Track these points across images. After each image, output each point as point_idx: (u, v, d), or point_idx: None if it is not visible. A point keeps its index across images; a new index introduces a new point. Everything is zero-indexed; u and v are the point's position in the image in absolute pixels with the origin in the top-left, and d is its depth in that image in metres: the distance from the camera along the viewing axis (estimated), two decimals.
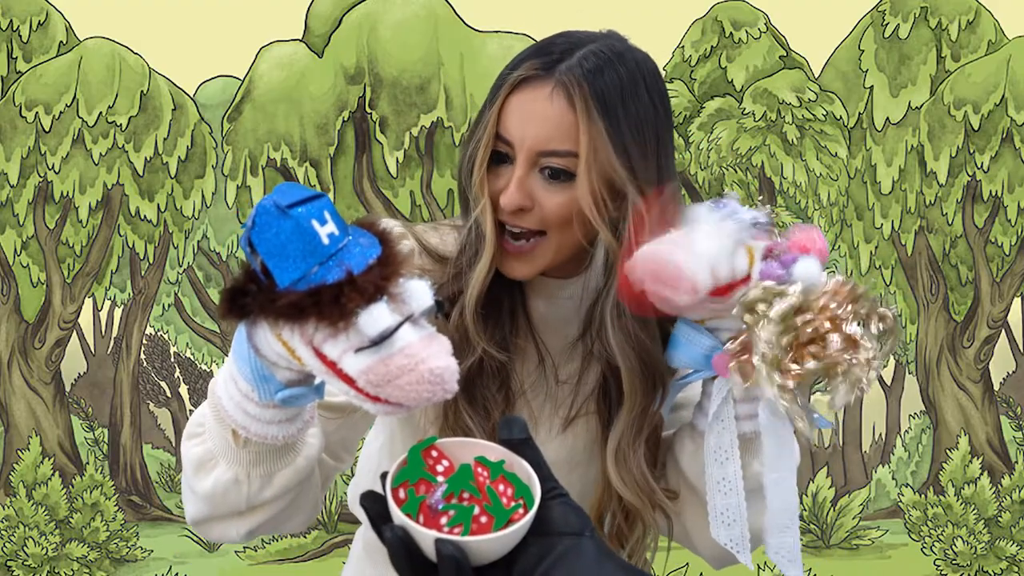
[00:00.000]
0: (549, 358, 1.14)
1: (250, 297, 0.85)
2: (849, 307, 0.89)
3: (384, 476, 0.84)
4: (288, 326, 0.84)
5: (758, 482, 0.98)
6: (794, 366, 0.88)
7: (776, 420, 0.92)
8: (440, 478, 0.84)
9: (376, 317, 0.82)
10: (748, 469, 0.99)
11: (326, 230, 0.81)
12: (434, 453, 0.86)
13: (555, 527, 0.83)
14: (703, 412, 1.02)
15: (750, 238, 0.91)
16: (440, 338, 0.85)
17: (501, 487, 0.84)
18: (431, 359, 0.83)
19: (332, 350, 0.84)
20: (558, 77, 1.05)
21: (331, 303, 0.81)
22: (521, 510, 0.83)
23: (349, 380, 0.85)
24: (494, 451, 0.87)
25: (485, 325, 1.09)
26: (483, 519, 0.82)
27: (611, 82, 1.06)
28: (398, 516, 0.83)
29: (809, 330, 0.87)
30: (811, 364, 0.88)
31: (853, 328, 0.90)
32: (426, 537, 0.81)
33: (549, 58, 1.08)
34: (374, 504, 0.85)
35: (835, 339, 0.88)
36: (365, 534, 1.26)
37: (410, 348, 0.83)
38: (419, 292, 0.84)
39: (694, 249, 0.89)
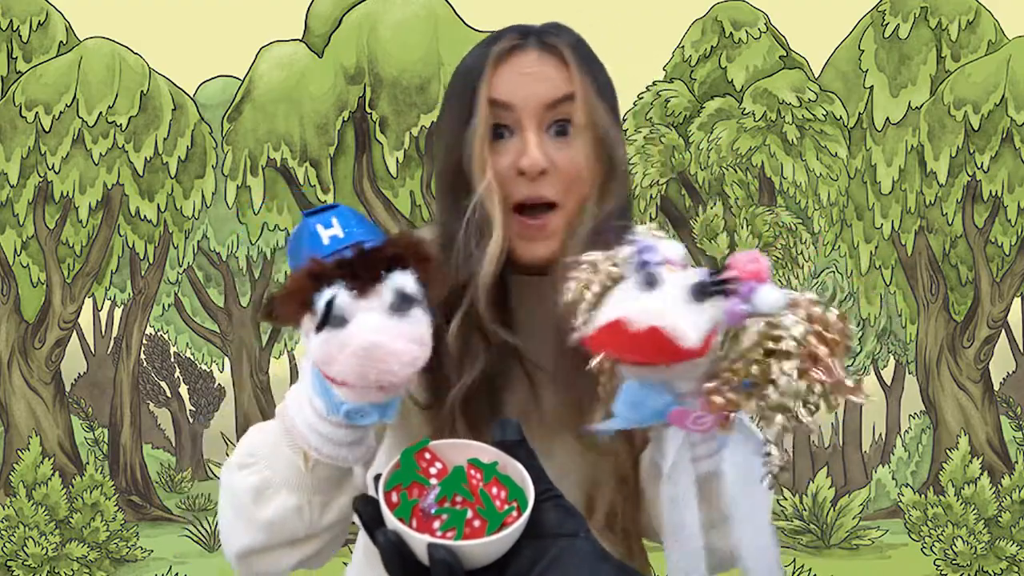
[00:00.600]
0: (541, 374, 1.12)
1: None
2: (828, 336, 0.87)
3: (377, 479, 0.84)
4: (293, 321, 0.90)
5: (723, 513, 0.93)
6: (814, 393, 0.86)
7: (747, 459, 0.90)
8: (433, 481, 0.84)
9: (324, 296, 0.85)
10: (711, 505, 0.94)
11: (329, 232, 0.89)
12: (427, 455, 0.86)
13: (549, 529, 0.82)
14: (660, 450, 0.97)
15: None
16: (404, 327, 0.85)
17: (494, 490, 0.84)
18: (364, 335, 0.84)
19: (306, 333, 0.88)
20: (538, 41, 1.09)
21: (296, 288, 0.86)
22: (515, 513, 0.83)
23: (317, 363, 0.88)
24: (487, 453, 0.87)
25: (496, 312, 1.07)
26: (476, 523, 0.82)
27: (579, 41, 1.13)
28: (391, 520, 0.82)
29: (813, 359, 0.86)
30: (818, 391, 0.86)
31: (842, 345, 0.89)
32: (419, 542, 0.81)
33: (518, 33, 1.11)
34: (367, 507, 0.84)
35: (835, 363, 0.86)
36: (364, 538, 1.25)
37: (355, 328, 0.85)
38: (396, 282, 0.86)
39: (669, 310, 0.84)
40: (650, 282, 0.85)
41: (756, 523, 0.90)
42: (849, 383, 0.86)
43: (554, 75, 1.08)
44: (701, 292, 0.84)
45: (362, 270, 0.87)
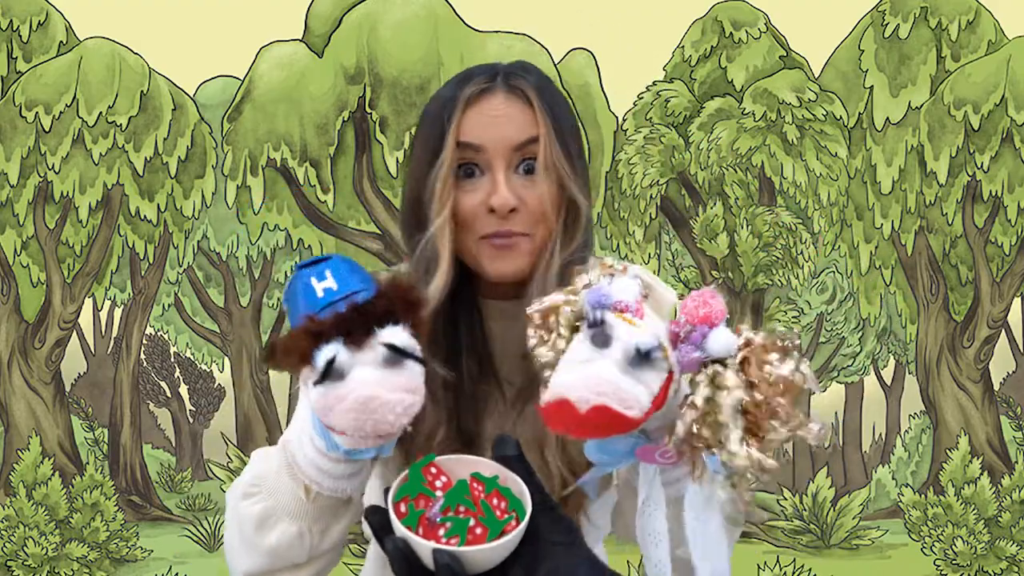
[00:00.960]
0: (511, 390, 1.19)
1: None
2: (776, 377, 0.89)
3: (387, 491, 0.91)
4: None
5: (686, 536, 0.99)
6: (768, 435, 0.89)
7: (708, 490, 0.92)
8: (439, 493, 0.91)
9: (324, 354, 0.91)
10: (680, 524, 0.98)
11: (323, 285, 0.94)
12: (433, 470, 0.93)
13: (546, 536, 0.89)
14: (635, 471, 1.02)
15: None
16: (397, 379, 0.92)
17: (495, 500, 0.91)
18: (361, 389, 0.91)
19: (305, 382, 0.94)
20: (504, 83, 1.15)
21: (295, 345, 0.93)
22: (513, 522, 0.89)
23: (316, 413, 0.95)
24: (488, 467, 0.94)
25: (453, 344, 1.15)
26: (478, 530, 0.88)
27: (544, 82, 1.18)
28: (399, 528, 0.89)
29: (759, 404, 0.88)
30: (774, 433, 0.89)
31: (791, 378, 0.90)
32: (424, 547, 0.87)
33: (486, 75, 1.16)
34: (377, 517, 0.91)
35: (782, 403, 0.88)
36: (374, 545, 1.31)
37: (352, 381, 0.91)
38: (388, 337, 0.92)
39: (613, 381, 0.87)
40: (600, 342, 0.88)
41: (712, 549, 0.94)
42: (801, 423, 0.89)
43: (520, 118, 1.13)
44: (645, 356, 0.87)
45: (356, 326, 0.92)
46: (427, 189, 1.14)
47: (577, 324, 0.91)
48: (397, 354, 0.92)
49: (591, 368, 0.88)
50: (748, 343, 0.89)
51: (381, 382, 0.92)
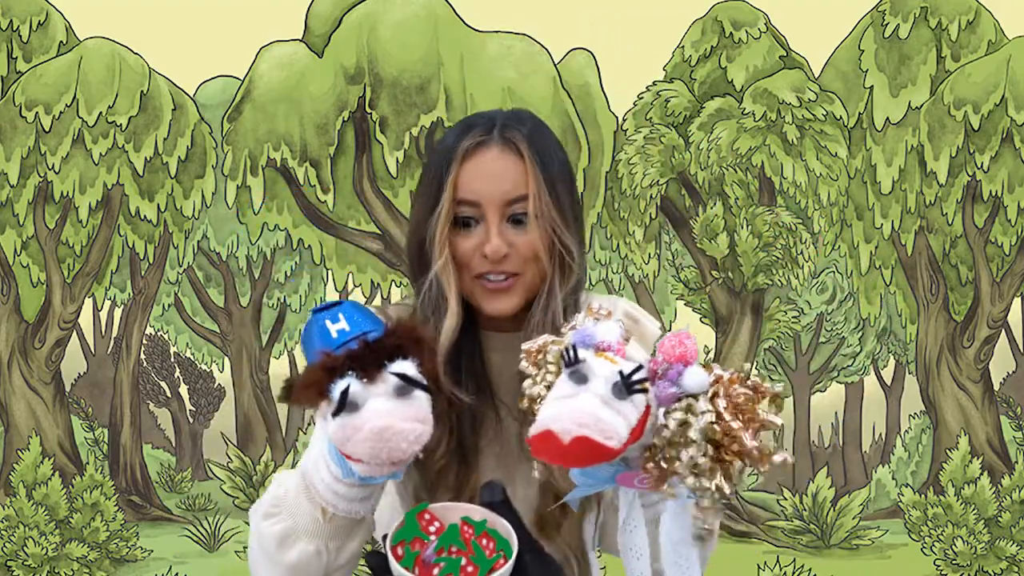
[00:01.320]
0: (508, 415, 1.30)
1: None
2: (744, 410, 0.99)
3: (384, 537, 1.02)
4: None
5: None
6: (733, 465, 0.99)
7: (682, 510, 1.03)
8: (432, 536, 1.02)
9: (339, 386, 1.00)
10: (657, 542, 1.10)
11: (337, 327, 1.04)
12: (427, 516, 1.04)
13: (531, 573, 1.01)
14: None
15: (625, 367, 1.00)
16: (409, 409, 1.01)
17: (484, 541, 1.01)
18: (376, 420, 1.00)
19: (323, 416, 1.03)
20: (499, 136, 1.25)
21: (312, 380, 1.02)
22: (502, 560, 1.00)
23: (334, 442, 1.04)
24: (477, 512, 1.05)
25: (453, 377, 1.26)
26: (469, 568, 0.99)
27: (536, 132, 1.28)
28: (396, 569, 0.99)
29: (726, 436, 0.98)
30: (737, 464, 0.98)
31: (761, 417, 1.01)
32: None
33: (483, 127, 1.27)
34: (375, 559, 1.03)
35: (748, 435, 0.98)
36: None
37: (367, 412, 1.00)
38: (398, 370, 1.02)
39: (593, 413, 0.96)
40: (579, 379, 0.97)
41: (684, 565, 1.06)
42: (759, 451, 0.98)
43: (513, 173, 1.24)
44: (623, 389, 0.97)
45: (369, 361, 1.02)
46: (428, 234, 1.25)
47: (559, 369, 1.01)
48: (407, 384, 1.01)
49: (574, 402, 0.97)
50: (718, 380, 0.99)
51: (393, 412, 1.00)
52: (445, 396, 1.21)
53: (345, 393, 1.00)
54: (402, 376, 1.01)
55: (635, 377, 0.98)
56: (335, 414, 1.01)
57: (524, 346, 1.06)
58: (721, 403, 0.98)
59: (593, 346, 1.00)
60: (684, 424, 0.98)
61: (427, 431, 1.03)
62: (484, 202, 1.24)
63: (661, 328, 1.30)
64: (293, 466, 3.32)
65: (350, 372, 1.01)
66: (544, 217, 1.25)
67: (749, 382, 1.00)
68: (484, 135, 1.26)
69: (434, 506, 1.06)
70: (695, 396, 0.98)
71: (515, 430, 1.28)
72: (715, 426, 0.97)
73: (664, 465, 0.99)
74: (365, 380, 1.01)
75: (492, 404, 1.29)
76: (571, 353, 0.99)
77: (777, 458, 0.99)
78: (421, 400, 1.02)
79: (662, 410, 0.99)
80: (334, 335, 1.04)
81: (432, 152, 1.35)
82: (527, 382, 1.04)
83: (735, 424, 0.97)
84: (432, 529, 1.03)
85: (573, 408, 0.97)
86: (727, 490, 0.98)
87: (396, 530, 1.02)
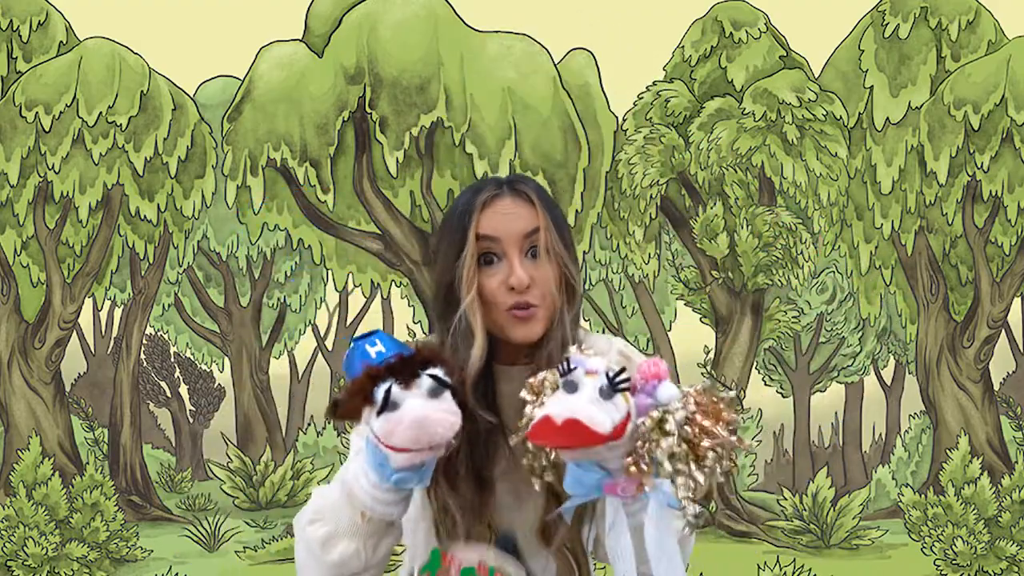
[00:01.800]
0: (513, 438, 1.42)
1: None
2: (710, 411, 1.19)
3: (412, 571, 1.28)
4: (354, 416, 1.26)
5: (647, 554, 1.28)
6: (707, 457, 1.18)
7: (662, 509, 1.21)
8: (453, 571, 1.27)
9: (382, 388, 1.21)
10: (641, 546, 1.26)
11: (375, 349, 1.26)
12: (449, 555, 1.29)
13: None
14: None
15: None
16: (442, 404, 1.21)
17: None
18: (415, 411, 1.20)
19: (367, 420, 1.23)
20: (511, 189, 1.46)
21: (358, 389, 1.23)
22: None
23: (377, 438, 1.22)
24: (494, 556, 1.30)
25: (479, 396, 1.43)
26: None
27: (540, 188, 1.50)
28: None
29: (698, 431, 1.18)
30: (711, 455, 1.18)
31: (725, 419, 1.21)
32: None
33: (495, 184, 1.48)
34: None
35: (719, 429, 1.18)
36: (411, 547, 1.57)
37: (406, 407, 1.20)
38: (431, 374, 1.22)
39: (588, 407, 1.17)
40: (571, 388, 1.18)
41: (669, 563, 1.23)
42: (732, 439, 1.18)
43: (526, 213, 1.44)
44: (609, 390, 1.17)
45: (405, 370, 1.23)
46: (456, 275, 1.43)
47: (554, 390, 1.21)
48: (439, 384, 1.21)
49: (568, 400, 1.17)
50: (687, 394, 1.20)
51: (430, 406, 1.21)
52: (470, 412, 1.38)
53: (388, 393, 1.20)
54: (434, 377, 1.21)
55: (619, 378, 1.17)
56: (379, 412, 1.20)
57: (527, 381, 1.25)
58: (691, 407, 1.18)
59: (584, 370, 1.20)
60: (661, 421, 1.17)
61: (458, 421, 1.22)
62: (504, 237, 1.43)
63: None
64: (293, 466, 3.33)
65: (390, 378, 1.22)
66: (554, 251, 1.44)
67: (710, 392, 1.20)
68: (497, 189, 1.45)
69: (455, 547, 1.32)
70: (668, 407, 1.18)
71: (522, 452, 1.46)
72: (686, 427, 1.17)
73: (644, 467, 1.17)
74: (403, 385, 1.21)
75: (502, 432, 1.44)
76: (567, 365, 1.19)
77: (743, 445, 1.19)
78: (450, 399, 1.22)
79: (640, 419, 1.18)
80: (373, 355, 1.25)
81: (449, 212, 1.52)
82: (527, 407, 1.23)
83: (706, 422, 1.17)
84: (452, 568, 1.29)
85: (567, 402, 1.17)
86: (701, 479, 1.17)
87: (422, 564, 1.30)
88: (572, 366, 1.20)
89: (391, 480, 1.27)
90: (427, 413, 1.20)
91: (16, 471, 3.28)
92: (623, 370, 1.19)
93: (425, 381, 1.22)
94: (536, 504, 1.44)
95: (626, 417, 1.17)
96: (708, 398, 1.20)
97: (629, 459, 1.19)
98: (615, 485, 1.21)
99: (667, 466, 1.17)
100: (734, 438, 1.19)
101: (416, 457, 1.23)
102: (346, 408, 1.24)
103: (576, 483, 1.22)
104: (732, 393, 1.23)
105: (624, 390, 1.18)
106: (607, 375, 1.18)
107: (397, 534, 1.39)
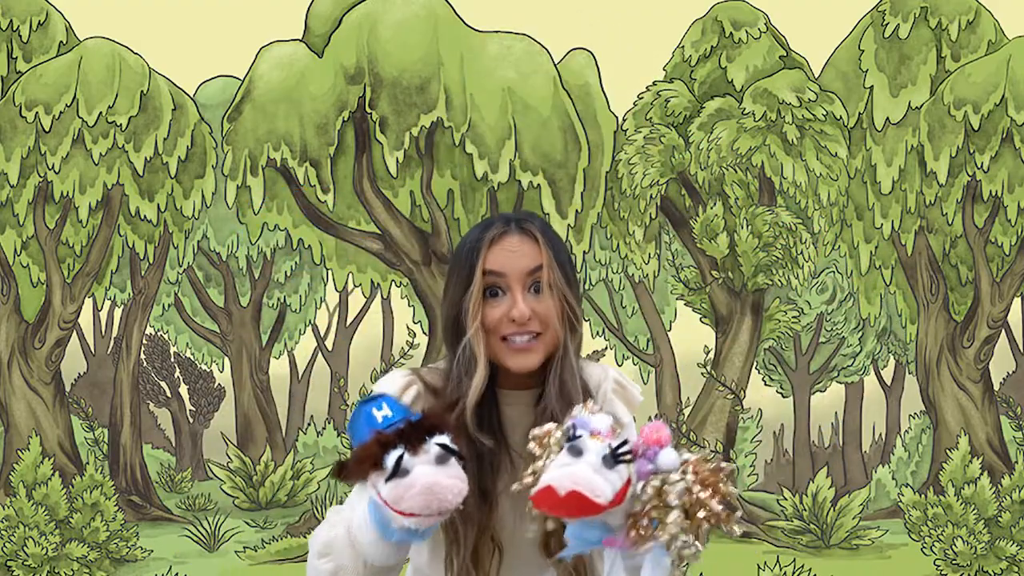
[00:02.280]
0: (516, 457, 1.53)
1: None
2: (708, 483, 1.23)
3: None
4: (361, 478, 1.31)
5: None
6: (701, 527, 1.22)
7: (659, 560, 1.25)
8: None
9: (393, 456, 1.25)
10: None
11: (381, 413, 1.30)
12: None
13: None
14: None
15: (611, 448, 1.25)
16: (450, 471, 1.26)
17: None
18: (425, 478, 1.25)
19: (376, 485, 1.27)
20: (518, 227, 1.55)
21: (367, 454, 1.27)
22: None
23: (386, 503, 1.26)
24: None
25: (478, 424, 1.53)
26: None
27: (546, 226, 1.58)
28: None
29: (695, 501, 1.22)
30: (705, 526, 1.21)
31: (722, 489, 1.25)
32: None
33: (502, 222, 1.56)
34: None
35: (715, 503, 1.21)
36: (415, 560, 1.65)
37: (416, 474, 1.25)
38: (438, 442, 1.27)
39: (591, 477, 1.20)
40: (576, 452, 1.22)
41: None
42: (724, 514, 1.21)
43: (531, 251, 1.53)
44: (611, 459, 1.21)
45: (413, 437, 1.27)
46: (463, 308, 1.52)
47: (559, 448, 1.26)
48: (446, 452, 1.26)
49: (571, 467, 1.21)
50: (686, 461, 1.23)
51: (439, 473, 1.26)
52: (471, 440, 1.49)
53: (399, 460, 1.25)
54: (443, 446, 1.27)
55: (621, 450, 1.22)
56: (388, 479, 1.25)
57: (533, 432, 1.30)
58: (690, 477, 1.22)
59: (588, 431, 1.24)
60: (661, 492, 1.21)
61: (466, 487, 1.27)
62: (509, 273, 1.52)
63: (642, 395, 1.63)
64: (293, 466, 3.33)
65: (399, 444, 1.26)
66: (556, 287, 1.53)
67: (711, 463, 1.23)
68: (504, 227, 1.55)
69: None
70: (668, 473, 1.22)
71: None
72: (685, 497, 1.21)
73: (643, 532, 1.22)
74: (411, 451, 1.26)
75: (507, 452, 1.54)
76: (572, 430, 1.24)
77: (737, 528, 1.23)
78: (457, 465, 1.28)
79: (640, 483, 1.22)
80: (380, 420, 1.30)
81: (458, 248, 1.62)
82: (536, 463, 1.27)
83: (703, 494, 1.21)
84: None
85: (570, 471, 1.21)
86: (700, 546, 1.21)
87: None
88: (577, 433, 1.24)
89: (394, 539, 1.34)
90: (437, 480, 1.25)
91: (16, 471, 3.28)
92: (625, 442, 1.23)
93: (433, 448, 1.27)
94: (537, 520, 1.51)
95: (626, 483, 1.22)
96: (707, 468, 1.23)
97: (629, 522, 1.23)
98: (615, 540, 1.26)
99: (666, 535, 1.21)
100: (727, 512, 1.22)
101: (425, 522, 1.28)
102: (354, 473, 1.29)
103: (577, 536, 1.28)
104: (732, 465, 1.27)
105: (627, 462, 1.22)
106: (610, 446, 1.22)
107: (399, 569, 1.46)
